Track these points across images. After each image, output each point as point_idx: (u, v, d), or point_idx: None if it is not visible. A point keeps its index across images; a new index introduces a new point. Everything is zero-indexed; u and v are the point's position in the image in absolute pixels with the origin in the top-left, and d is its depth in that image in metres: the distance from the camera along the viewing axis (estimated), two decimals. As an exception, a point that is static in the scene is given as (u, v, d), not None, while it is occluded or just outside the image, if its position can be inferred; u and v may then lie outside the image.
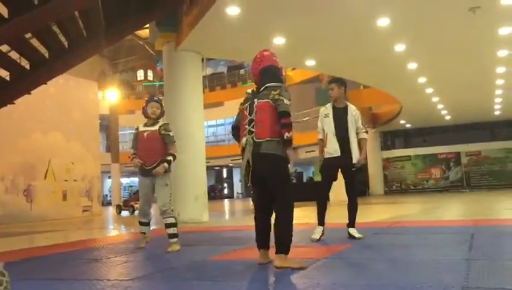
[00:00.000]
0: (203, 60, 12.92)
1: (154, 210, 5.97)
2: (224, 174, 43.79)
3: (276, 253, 3.68)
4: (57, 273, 4.24)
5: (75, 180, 17.43)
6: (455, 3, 9.29)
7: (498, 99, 19.59)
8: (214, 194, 37.89)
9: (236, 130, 4.05)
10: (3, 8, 6.62)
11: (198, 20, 9.57)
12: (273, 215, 3.86)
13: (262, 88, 3.89)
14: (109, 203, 32.45)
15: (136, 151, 5.49)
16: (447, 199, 17.34)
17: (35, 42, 7.88)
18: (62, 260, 5.17)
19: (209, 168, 15.13)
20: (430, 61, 13.38)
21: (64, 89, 16.84)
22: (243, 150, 3.88)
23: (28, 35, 7.74)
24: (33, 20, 6.62)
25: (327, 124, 5.45)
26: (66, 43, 7.98)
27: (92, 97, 19.55)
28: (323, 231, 5.39)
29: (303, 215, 9.28)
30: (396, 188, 28.31)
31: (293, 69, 22.26)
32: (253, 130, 3.79)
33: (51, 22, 7.36)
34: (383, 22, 9.98)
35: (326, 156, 5.42)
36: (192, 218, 10.34)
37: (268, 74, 3.98)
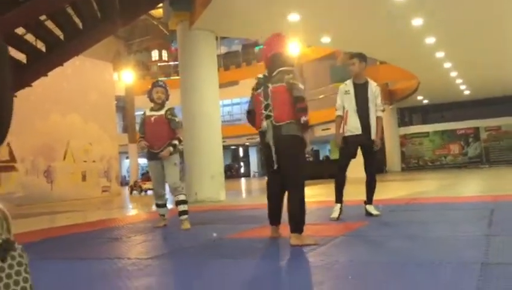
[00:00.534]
0: (217, 38, 12.83)
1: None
2: (241, 153, 43.92)
3: (291, 232, 3.75)
4: (77, 253, 4.32)
5: (93, 161, 17.65)
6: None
7: (519, 73, 19.17)
8: (231, 173, 38.09)
9: (250, 115, 4.11)
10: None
11: (211, -1, 9.48)
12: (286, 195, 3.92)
13: (276, 72, 3.92)
14: (127, 184, 32.85)
15: (144, 135, 5.60)
16: (465, 175, 17.17)
17: (50, 24, 7.90)
18: (82, 239, 5.27)
19: (225, 148, 15.19)
20: (448, 35, 13.10)
21: (81, 71, 16.94)
22: (262, 134, 3.93)
23: (43, 17, 7.75)
24: (48, 2, 6.63)
25: (348, 101, 5.32)
26: (80, 25, 7.99)
27: (107, 78, 19.65)
28: (341, 208, 5.37)
29: (319, 193, 9.28)
30: (413, 164, 28.08)
31: (308, 46, 22.00)
32: (270, 114, 3.85)
33: (65, 3, 7.36)
34: (400, -5, 9.78)
35: (347, 133, 5.31)
36: (209, 197, 10.41)
37: (280, 58, 4.02)
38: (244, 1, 9.46)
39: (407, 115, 29.75)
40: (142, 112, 5.80)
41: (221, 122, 11.76)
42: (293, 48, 19.78)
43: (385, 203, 6.72)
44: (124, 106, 30.76)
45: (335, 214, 5.31)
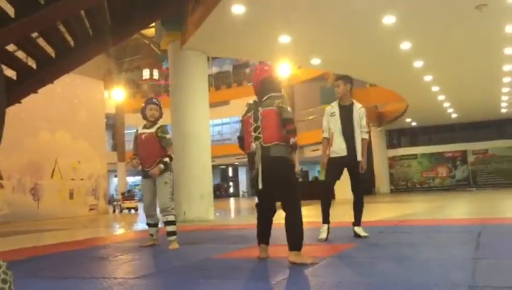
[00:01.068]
0: (208, 58, 12.93)
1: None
2: (230, 173, 43.83)
3: (290, 250, 3.80)
4: (63, 272, 4.26)
5: (81, 179, 17.51)
6: (461, 1, 9.24)
7: (505, 97, 19.46)
8: (220, 192, 37.94)
9: (242, 141, 4.22)
10: (10, 8, 6.65)
11: (203, 19, 9.58)
12: (278, 215, 3.98)
13: (266, 97, 4.06)
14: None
15: (137, 153, 5.58)
16: (453, 197, 17.27)
17: (41, 42, 7.92)
18: (68, 258, 5.20)
19: (214, 167, 15.18)
20: (436, 59, 13.32)
21: (71, 88, 16.93)
22: (251, 155, 4.02)
23: (35, 34, 7.77)
24: (39, 19, 6.65)
25: (333, 122, 5.38)
26: (72, 42, 8.01)
27: (98, 96, 19.64)
28: (328, 229, 5.38)
29: (308, 214, 9.26)
30: (402, 186, 28.23)
31: (299, 67, 22.21)
32: (260, 136, 3.96)
33: (57, 21, 7.39)
34: (389, 19, 9.95)
35: (332, 155, 5.36)
36: (198, 216, 10.36)
37: (269, 83, 4.17)
38: (235, 22, 9.56)
39: (396, 137, 30.00)
40: (135, 130, 5.75)
41: (211, 141, 11.78)
42: (284, 69, 20.00)
43: (374, 225, 6.73)
44: (113, 124, 30.68)
45: (323, 235, 5.31)
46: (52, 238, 8.20)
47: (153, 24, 13.55)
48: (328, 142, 5.44)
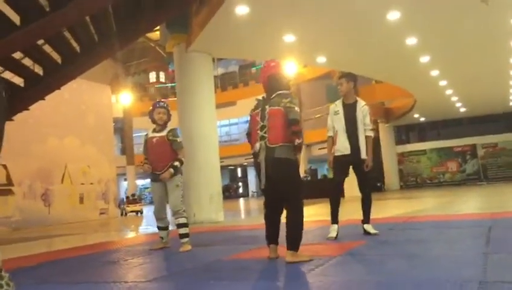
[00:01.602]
0: (214, 60, 12.95)
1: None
2: (239, 174, 43.86)
3: (288, 250, 3.84)
4: (75, 277, 4.29)
5: (91, 184, 17.62)
6: (466, -5, 9.19)
7: (513, 90, 19.34)
8: (229, 193, 37.99)
9: (250, 137, 4.23)
10: (15, 16, 6.70)
11: (207, 21, 9.60)
12: (284, 214, 4.01)
13: (274, 95, 4.06)
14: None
15: (147, 156, 5.59)
16: (463, 192, 17.16)
17: (47, 48, 7.96)
18: (80, 263, 5.23)
19: (223, 168, 15.19)
20: (442, 53, 13.24)
21: (78, 94, 17.03)
22: (256, 154, 4.03)
23: (40, 41, 7.82)
24: (45, 26, 6.69)
25: (337, 121, 5.37)
26: (78, 48, 8.05)
27: (105, 101, 19.74)
28: (338, 229, 5.37)
29: (318, 212, 9.26)
30: (412, 182, 28.10)
31: (304, 66, 22.18)
32: (265, 135, 3.97)
33: (62, 28, 7.43)
34: (394, 15, 9.91)
35: (337, 153, 5.35)
36: (208, 218, 10.38)
37: (277, 80, 4.16)
38: (240, 23, 9.57)
39: (404, 133, 29.87)
40: (145, 133, 5.77)
41: (219, 142, 11.79)
42: (290, 68, 19.98)
43: (384, 222, 6.71)
44: (122, 128, 30.84)
45: (332, 234, 5.30)
46: (63, 243, 8.26)
47: (158, 27, 13.60)
48: (332, 140, 5.43)
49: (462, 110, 23.58)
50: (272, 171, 3.93)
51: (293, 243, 3.84)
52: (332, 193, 5.47)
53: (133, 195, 24.02)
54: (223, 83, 33.91)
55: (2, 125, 1.48)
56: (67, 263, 5.35)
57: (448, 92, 18.73)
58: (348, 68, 15.68)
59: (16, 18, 6.70)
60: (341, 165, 5.35)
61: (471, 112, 24.48)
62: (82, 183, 17.17)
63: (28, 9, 6.63)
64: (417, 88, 17.86)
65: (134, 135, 30.77)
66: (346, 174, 5.43)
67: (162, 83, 38.81)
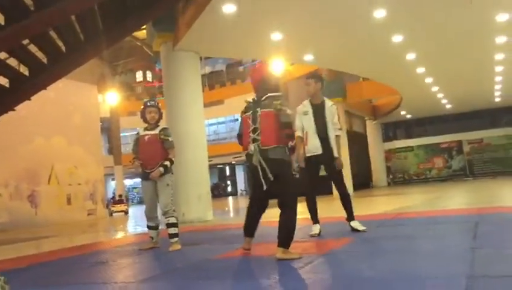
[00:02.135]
0: (201, 58, 12.91)
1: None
2: (227, 172, 43.81)
3: (278, 246, 3.88)
4: (63, 278, 4.26)
5: (78, 184, 17.48)
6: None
7: (498, 86, 19.55)
8: (218, 192, 37.91)
9: (240, 138, 4.28)
10: (-1, 16, 6.62)
11: (194, 19, 9.57)
12: (274, 213, 4.01)
13: (265, 97, 4.09)
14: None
15: (137, 155, 5.58)
16: (450, 188, 17.33)
17: (32, 48, 7.88)
18: (69, 264, 5.20)
19: (211, 167, 15.17)
20: (428, 51, 13.35)
21: (64, 94, 16.87)
22: (249, 156, 4.07)
23: (25, 41, 7.73)
24: (30, 26, 6.61)
25: (307, 121, 5.37)
26: (63, 48, 7.97)
27: (92, 100, 19.59)
28: (319, 227, 5.39)
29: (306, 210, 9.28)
30: (399, 179, 28.33)
31: (292, 64, 22.21)
32: (258, 137, 4.01)
33: (48, 27, 7.35)
34: (380, 13, 9.97)
35: (308, 154, 5.35)
36: (197, 217, 10.36)
37: (268, 82, 4.21)
38: (227, 21, 9.56)
39: (392, 130, 30.08)
40: (136, 132, 5.75)
41: (207, 141, 11.77)
42: (277, 66, 19.96)
43: (372, 219, 6.75)
44: (109, 128, 30.60)
45: (315, 230, 5.33)
46: (51, 244, 8.19)
47: (145, 26, 13.51)
48: (302, 141, 5.40)
49: (448, 106, 23.82)
50: (268, 172, 3.96)
51: (285, 240, 3.88)
52: (308, 196, 5.45)
53: (120, 196, 24.25)
54: (211, 81, 33.80)
55: None
56: (56, 264, 5.31)
57: (434, 89, 18.90)
58: (335, 65, 15.82)
59: (0, 18, 6.62)
60: (312, 166, 5.36)
61: (457, 109, 24.73)
62: (69, 184, 17.03)
63: (12, 9, 6.56)
64: (403, 85, 18.00)
65: (121, 134, 30.56)
66: (318, 174, 5.44)
67: (149, 82, 38.63)
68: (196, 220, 10.23)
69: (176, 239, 5.41)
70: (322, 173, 5.50)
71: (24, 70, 8.10)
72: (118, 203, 21.91)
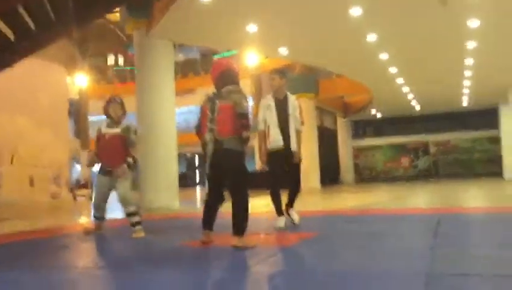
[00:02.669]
0: (175, 45, 12.75)
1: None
2: (197, 162, 43.59)
3: (234, 234, 3.98)
4: (24, 261, 4.15)
5: (43, 167, 17.07)
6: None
7: (466, 90, 19.99)
8: (185, 181, 37.70)
9: (198, 129, 4.37)
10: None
11: (170, 6, 9.42)
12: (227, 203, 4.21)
13: (224, 90, 4.19)
14: (79, 190, 32.10)
15: (97, 151, 5.56)
16: (415, 187, 17.70)
17: (0, 24, 7.63)
18: (29, 247, 5.07)
19: (180, 156, 15.06)
20: (400, 51, 13.54)
21: (31, 73, 16.37)
22: (205, 145, 4.20)
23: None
24: (-2, 1, 6.40)
25: (269, 115, 5.45)
26: (32, 26, 7.74)
27: (60, 81, 19.10)
28: (285, 220, 5.44)
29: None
30: (367, 176, 28.76)
31: (266, 57, 22.21)
32: (214, 127, 4.11)
33: (17, 3, 7.13)
34: (356, 11, 10.04)
35: (271, 147, 5.41)
36: (164, 205, 10.28)
37: (227, 77, 4.29)
38: (203, 10, 9.45)
39: (361, 127, 30.45)
40: (98, 128, 5.70)
41: (177, 130, 11.65)
42: (251, 59, 19.95)
43: (338, 214, 6.83)
44: (77, 111, 29.97)
45: (281, 223, 5.37)
46: (12, 227, 7.98)
47: (118, 9, 13.25)
48: (264, 134, 5.49)
49: (417, 107, 24.25)
50: (219, 162, 4.09)
51: (239, 228, 3.99)
52: (274, 188, 5.47)
53: (86, 181, 24.23)
54: (184, 69, 33.46)
55: None
56: (18, 247, 5.18)
57: (405, 89, 19.20)
58: (309, 60, 15.87)
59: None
60: (277, 158, 5.40)
61: (425, 110, 25.21)
62: (34, 166, 16.61)
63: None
64: (375, 84, 18.22)
65: (90, 119, 29.99)
66: (283, 168, 5.49)
67: (120, 66, 37.96)
68: (163, 207, 10.15)
69: (139, 227, 5.36)
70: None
71: (-10, 46, 7.84)
72: (82, 188, 21.94)
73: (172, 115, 11.41)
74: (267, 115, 5.46)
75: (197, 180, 42.03)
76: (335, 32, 11.58)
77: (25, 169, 16.25)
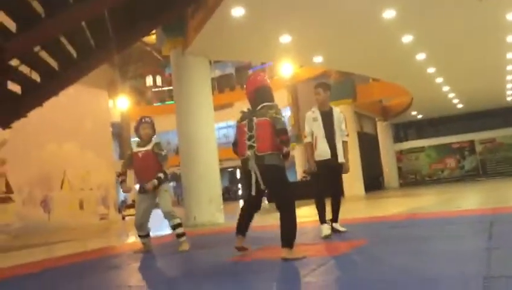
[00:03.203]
0: (210, 62, 12.93)
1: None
2: (238, 175, 43.80)
3: (283, 247, 4.02)
4: (77, 283, 4.28)
5: (90, 189, 17.57)
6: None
7: (509, 85, 19.37)
8: (229, 195, 37.92)
9: (235, 146, 4.51)
10: (11, 23, 6.70)
11: (203, 24, 9.59)
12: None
13: (260, 107, 4.30)
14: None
15: (126, 169, 5.88)
16: (463, 188, 17.17)
17: (44, 54, 7.95)
18: (82, 269, 5.22)
19: (222, 170, 15.17)
20: (438, 50, 13.26)
21: (76, 99, 16.98)
22: (245, 161, 4.30)
23: (37, 48, 7.81)
24: (41, 33, 6.69)
25: (316, 127, 5.56)
26: (74, 54, 8.04)
27: (103, 106, 19.72)
28: (329, 227, 5.46)
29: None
30: (411, 180, 28.12)
31: (301, 66, 22.19)
32: (254, 144, 4.21)
33: (58, 34, 7.42)
34: (389, 13, 9.93)
35: (318, 158, 5.51)
36: (208, 220, 10.36)
37: (262, 93, 4.40)
38: (236, 25, 9.57)
39: (402, 130, 29.91)
40: (129, 149, 6.00)
41: (217, 145, 11.77)
42: (286, 69, 19.99)
43: (385, 220, 6.71)
44: (119, 133, 30.75)
45: (326, 231, 5.37)
46: (64, 249, 8.23)
47: (154, 31, 13.59)
48: (311, 146, 5.60)
49: (460, 106, 23.62)
50: (262, 177, 4.19)
51: (287, 240, 4.01)
52: (319, 197, 5.55)
53: (133, 201, 24.58)
54: (220, 85, 33.87)
55: None
56: (70, 269, 5.34)
57: (445, 88, 18.76)
58: (344, 67, 15.77)
59: (11, 25, 6.70)
60: (323, 170, 5.50)
61: (468, 108, 24.52)
62: (81, 189, 17.13)
63: (23, 17, 6.63)
64: (414, 85, 17.88)
65: (132, 139, 30.71)
66: (328, 177, 5.56)
67: (158, 86, 38.78)
68: (207, 223, 10.23)
69: (184, 238, 5.60)
70: None
71: (36, 77, 8.19)
72: (130, 208, 22.10)
73: (212, 129, 11.53)
74: (314, 127, 5.58)
75: (239, 194, 42.18)
76: (369, 37, 11.46)
77: (74, 193, 16.79)
